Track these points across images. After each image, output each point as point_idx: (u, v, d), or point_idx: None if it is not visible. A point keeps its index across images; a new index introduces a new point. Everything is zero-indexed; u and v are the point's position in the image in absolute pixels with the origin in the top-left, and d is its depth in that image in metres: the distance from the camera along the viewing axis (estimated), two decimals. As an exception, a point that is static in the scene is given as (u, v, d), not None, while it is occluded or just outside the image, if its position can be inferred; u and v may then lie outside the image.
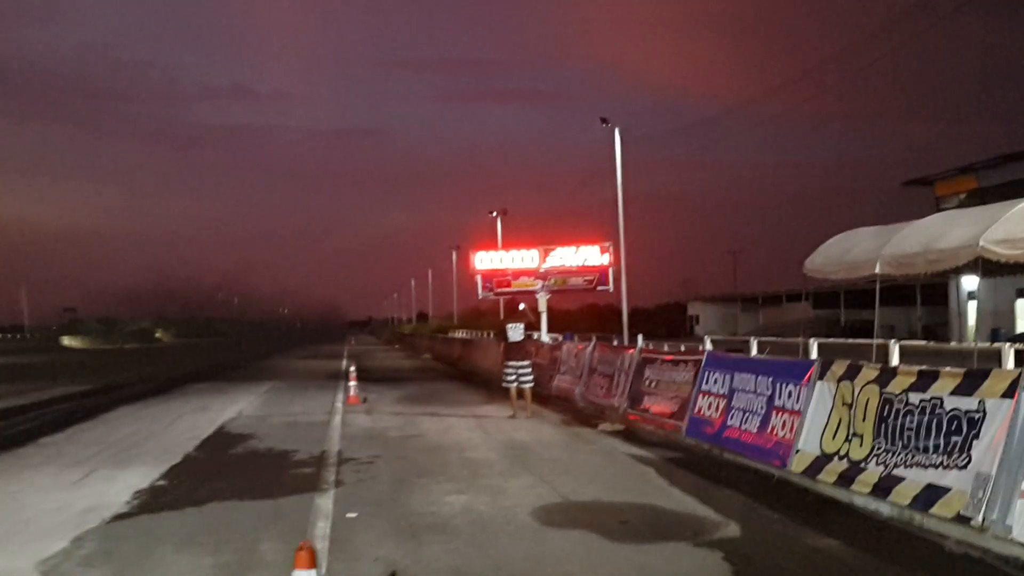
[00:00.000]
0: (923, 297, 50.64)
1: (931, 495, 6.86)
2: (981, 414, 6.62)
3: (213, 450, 12.15)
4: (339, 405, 17.80)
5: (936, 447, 6.99)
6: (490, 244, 37.46)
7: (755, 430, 9.99)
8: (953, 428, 6.86)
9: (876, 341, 15.31)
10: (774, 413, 9.72)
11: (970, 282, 38.08)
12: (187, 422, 15.41)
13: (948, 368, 7.29)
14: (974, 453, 6.58)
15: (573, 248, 23.50)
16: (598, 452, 11.41)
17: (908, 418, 7.40)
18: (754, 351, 15.77)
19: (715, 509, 7.80)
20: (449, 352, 40.42)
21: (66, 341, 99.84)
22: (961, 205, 37.93)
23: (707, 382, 11.71)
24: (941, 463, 6.89)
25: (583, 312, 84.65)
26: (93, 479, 9.93)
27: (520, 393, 15.21)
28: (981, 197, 37.08)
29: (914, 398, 7.39)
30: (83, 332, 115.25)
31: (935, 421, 7.07)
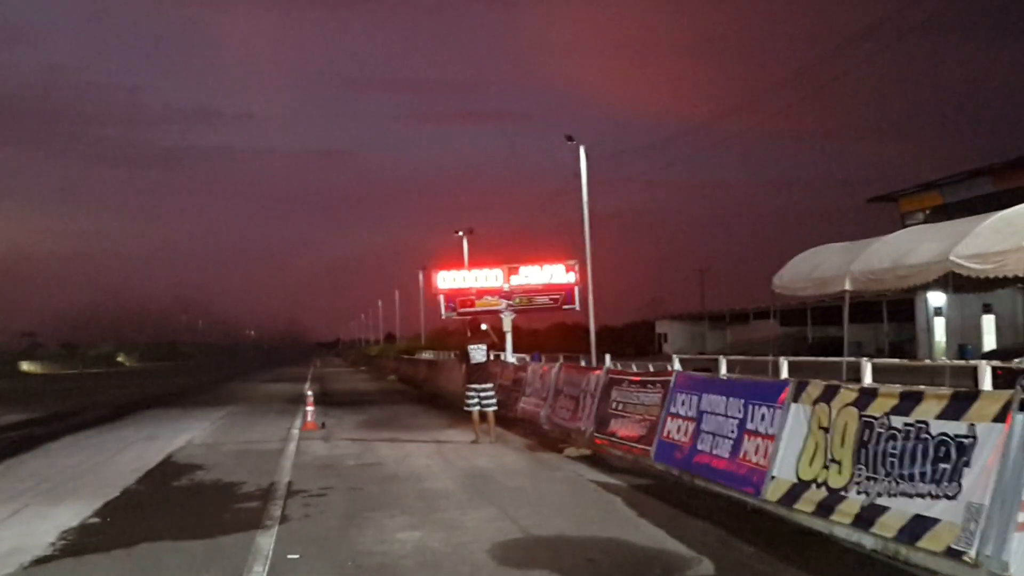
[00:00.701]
0: (890, 313, 50.70)
1: (918, 527, 6.36)
2: (971, 440, 6.13)
3: (155, 483, 11.44)
4: (295, 431, 17.10)
5: (923, 475, 6.50)
6: (457, 263, 36.79)
7: (727, 455, 9.48)
8: (941, 455, 6.37)
9: (847, 360, 14.93)
10: (746, 437, 9.21)
11: (937, 298, 38.03)
12: (133, 452, 14.67)
13: (932, 389, 6.83)
14: (964, 482, 6.08)
15: (538, 267, 22.98)
16: (563, 480, 10.84)
17: (891, 443, 6.90)
18: (723, 370, 15.35)
19: (686, 543, 7.25)
20: (414, 374, 39.74)
21: (24, 366, 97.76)
22: (926, 221, 37.88)
23: (676, 404, 11.20)
24: (929, 492, 6.39)
25: (551, 331, 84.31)
26: (21, 517, 9.22)
27: (483, 417, 14.62)
28: (946, 213, 37.10)
29: (897, 422, 6.90)
30: (43, 357, 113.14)
31: (921, 447, 6.58)
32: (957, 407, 6.35)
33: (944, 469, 6.30)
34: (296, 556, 7.09)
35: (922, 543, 6.27)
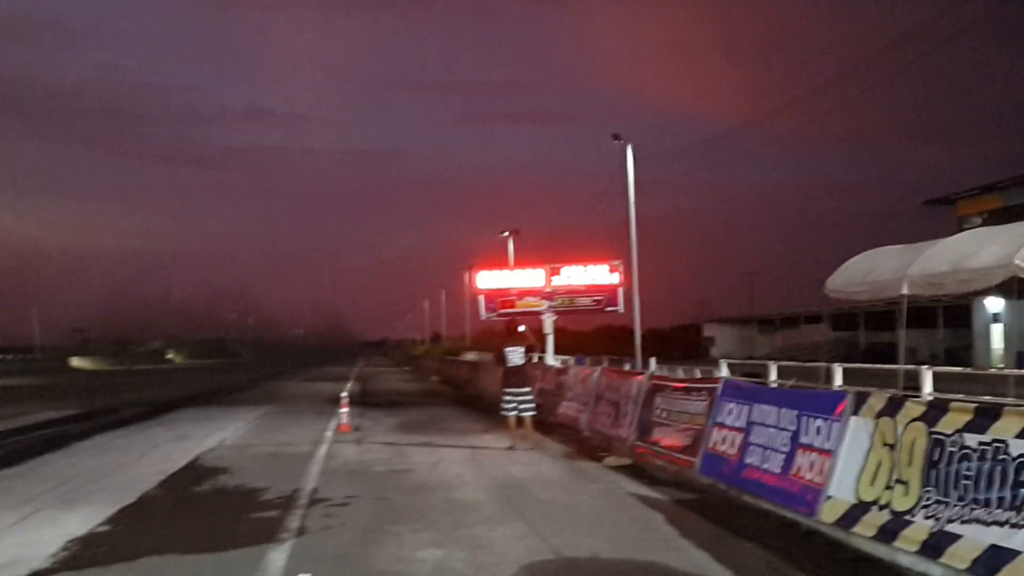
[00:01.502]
0: (945, 319, 49.23)
1: (996, 559, 5.65)
2: (1059, 463, 5.42)
3: (176, 487, 11.00)
4: (329, 434, 16.65)
5: (1001, 500, 5.78)
6: (501, 264, 36.23)
7: (778, 470, 8.78)
8: (1023, 478, 5.66)
9: (904, 367, 14.14)
10: (799, 452, 8.51)
11: (994, 304, 36.73)
12: (160, 453, 14.30)
13: (1012, 406, 6.11)
14: (1051, 510, 5.38)
15: (581, 267, 22.29)
16: (601, 493, 10.20)
17: (964, 464, 6.19)
18: (773, 375, 14.61)
19: (733, 569, 6.60)
20: (457, 375, 39.28)
21: (75, 362, 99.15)
22: (984, 224, 36.60)
23: (723, 413, 10.51)
24: (1008, 520, 5.67)
25: (597, 333, 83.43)
26: (30, 523, 8.81)
27: (520, 422, 14.02)
28: (1006, 216, 35.72)
29: (971, 440, 6.18)
30: (94, 353, 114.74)
31: (999, 469, 5.86)
32: (1042, 426, 5.64)
33: (1027, 495, 5.59)
34: (307, 575, 6.55)
35: (1001, 577, 5.57)
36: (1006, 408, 6.04)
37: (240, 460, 13.26)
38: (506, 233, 46.39)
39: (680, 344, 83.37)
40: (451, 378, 40.39)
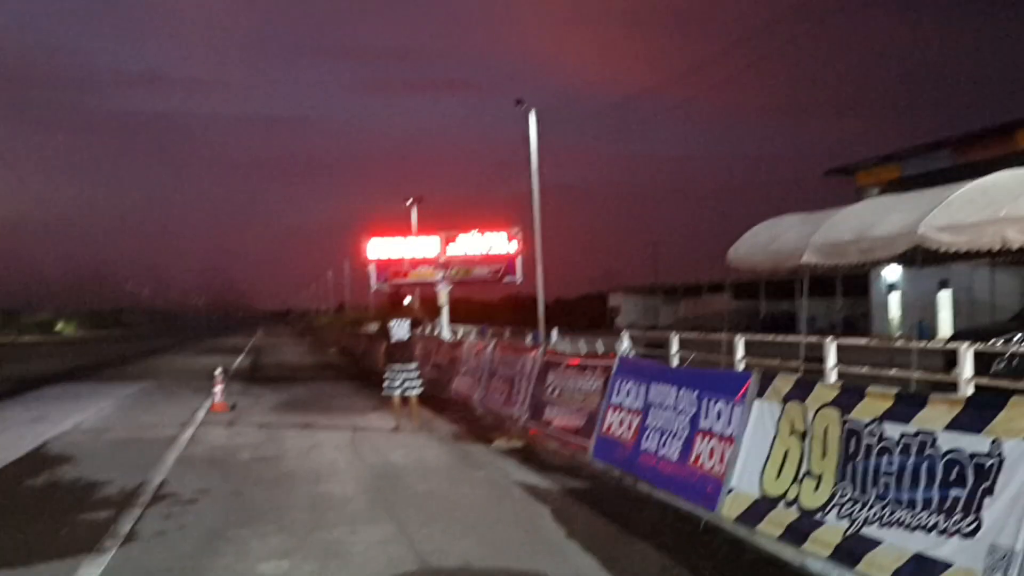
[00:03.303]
0: (844, 288, 49.77)
1: (921, 570, 4.87)
2: (996, 460, 4.64)
3: (7, 480, 9.66)
4: (201, 414, 15.35)
5: (927, 502, 5.01)
6: (402, 231, 34.97)
7: (675, 457, 7.96)
8: (953, 478, 4.88)
9: (806, 339, 13.62)
10: (699, 437, 7.69)
11: (892, 272, 37.01)
12: (8, 437, 12.84)
13: (940, 394, 5.34)
14: (987, 516, 4.60)
15: (478, 234, 21.22)
16: (485, 482, 9.24)
17: (885, 458, 5.40)
18: (675, 348, 13.91)
19: (623, 580, 5.72)
20: (355, 347, 37.97)
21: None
22: (883, 194, 36.82)
23: (618, 393, 9.65)
24: (935, 525, 4.90)
25: (503, 304, 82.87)
26: None
27: (405, 401, 12.99)
28: (904, 186, 35.94)
29: (892, 431, 5.40)
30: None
31: (925, 465, 5.08)
32: (975, 417, 4.86)
33: (957, 497, 4.82)
34: (114, 602, 5.44)
35: (926, 593, 4.79)
36: (932, 396, 5.26)
37: (91, 447, 11.93)
38: (410, 201, 45.07)
39: (585, 313, 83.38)
40: (349, 350, 39.10)
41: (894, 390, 5.59)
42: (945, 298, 38.52)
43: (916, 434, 5.18)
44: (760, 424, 6.84)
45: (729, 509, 6.84)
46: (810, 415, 6.19)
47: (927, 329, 36.00)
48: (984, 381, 8.75)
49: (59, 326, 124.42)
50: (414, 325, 13.29)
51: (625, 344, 15.50)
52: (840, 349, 10.82)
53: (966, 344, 8.76)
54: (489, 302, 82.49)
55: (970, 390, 8.17)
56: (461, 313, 51.46)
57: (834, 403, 6.00)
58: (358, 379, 23.69)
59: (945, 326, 36.46)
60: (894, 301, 42.11)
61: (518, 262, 21.36)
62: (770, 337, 15.86)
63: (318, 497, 8.46)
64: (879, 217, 12.00)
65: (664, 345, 14.44)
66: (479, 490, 8.85)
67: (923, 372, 10.82)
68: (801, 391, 6.44)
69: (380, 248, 21.33)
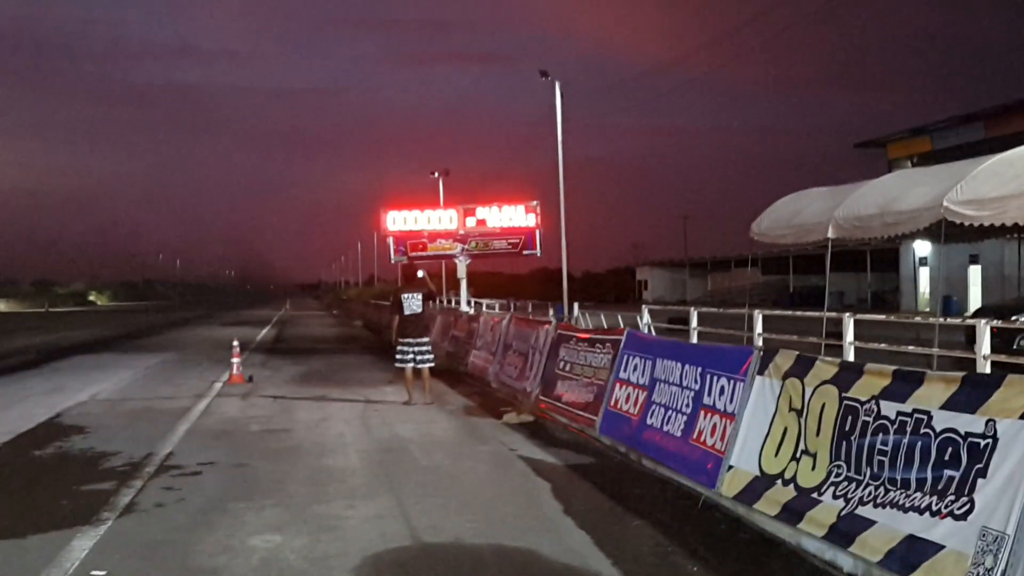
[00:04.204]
0: (874, 262, 49.24)
1: (913, 552, 4.75)
2: (990, 441, 4.50)
3: (17, 451, 9.75)
4: (218, 386, 15.45)
5: (921, 482, 4.88)
6: (425, 203, 34.97)
7: (679, 433, 7.86)
8: (947, 458, 4.74)
9: (827, 314, 13.40)
10: (702, 414, 7.58)
11: (922, 247, 36.50)
12: (24, 407, 12.99)
13: (937, 372, 5.20)
14: (979, 498, 4.47)
15: (496, 207, 21.05)
16: (489, 457, 9.19)
17: (880, 436, 5.28)
18: (694, 323, 13.76)
19: (613, 558, 5.63)
20: (379, 319, 38.03)
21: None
22: (914, 167, 36.24)
23: (626, 368, 9.56)
24: (928, 507, 4.78)
25: (532, 276, 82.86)
26: None
27: (417, 374, 12.95)
28: (935, 159, 35.36)
29: (888, 409, 5.27)
30: (13, 295, 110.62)
31: (920, 444, 4.95)
32: (971, 395, 4.72)
33: (950, 477, 4.69)
34: (102, 573, 5.43)
35: (918, 574, 4.68)
36: (929, 374, 5.12)
37: (104, 417, 12.02)
38: (436, 174, 44.98)
39: (613, 287, 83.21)
40: (373, 323, 39.22)
41: (892, 368, 5.44)
42: (975, 273, 37.96)
43: (912, 413, 5.05)
44: (761, 401, 6.73)
45: (728, 487, 6.74)
46: (808, 391, 6.07)
47: (956, 304, 35.53)
48: (1003, 358, 8.56)
49: (92, 296, 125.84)
50: (427, 299, 13.22)
51: (646, 317, 15.37)
52: (862, 325, 10.63)
53: (984, 320, 8.57)
54: (517, 275, 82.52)
55: (988, 368, 7.99)
56: (488, 287, 51.52)
57: (832, 380, 5.88)
58: (379, 352, 23.70)
59: (975, 302, 35.91)
60: (924, 276, 41.59)
61: (537, 235, 21.17)
62: (789, 312, 15.66)
63: (320, 471, 8.45)
64: (904, 191, 11.75)
65: (685, 321, 14.27)
66: (482, 465, 8.81)
67: (943, 349, 10.61)
68: (801, 368, 6.31)
69: (398, 220, 21.21)
